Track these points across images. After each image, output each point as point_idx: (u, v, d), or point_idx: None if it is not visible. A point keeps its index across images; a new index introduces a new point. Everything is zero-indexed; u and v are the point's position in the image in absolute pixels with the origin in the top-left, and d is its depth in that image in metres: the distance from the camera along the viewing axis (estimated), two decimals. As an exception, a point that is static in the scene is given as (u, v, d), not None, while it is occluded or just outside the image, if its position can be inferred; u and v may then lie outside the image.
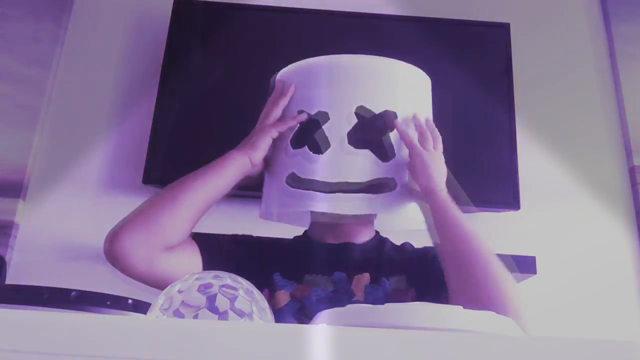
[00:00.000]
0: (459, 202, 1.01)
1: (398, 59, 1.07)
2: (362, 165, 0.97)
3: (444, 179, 1.02)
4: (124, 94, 2.21)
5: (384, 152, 0.99)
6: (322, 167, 0.97)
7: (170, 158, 2.02)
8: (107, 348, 0.44)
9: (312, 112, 1.00)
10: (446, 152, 1.06)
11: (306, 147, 1.00)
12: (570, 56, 2.32)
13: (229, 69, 2.11)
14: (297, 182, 1.00)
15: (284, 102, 1.05)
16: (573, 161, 2.16)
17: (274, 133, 1.03)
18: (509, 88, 2.11)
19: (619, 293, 2.02)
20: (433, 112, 1.10)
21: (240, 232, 1.18)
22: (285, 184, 1.00)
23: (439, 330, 0.49)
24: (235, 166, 1.04)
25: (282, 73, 1.09)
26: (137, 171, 2.01)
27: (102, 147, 2.14)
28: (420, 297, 1.01)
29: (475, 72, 2.14)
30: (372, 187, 0.97)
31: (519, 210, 1.99)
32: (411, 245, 1.13)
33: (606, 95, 2.27)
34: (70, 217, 2.03)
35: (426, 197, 0.98)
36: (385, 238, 1.14)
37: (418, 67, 1.09)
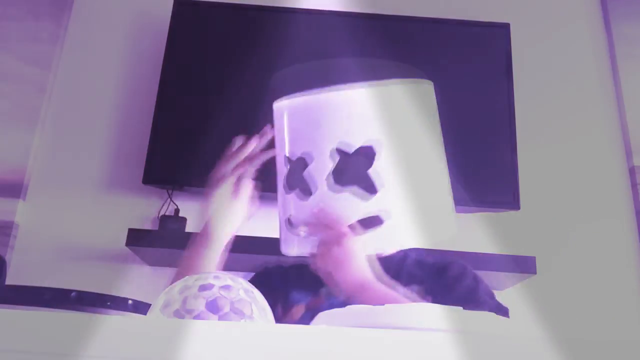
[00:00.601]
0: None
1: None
2: (346, 206, 0.96)
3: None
4: (124, 94, 2.21)
5: (367, 188, 0.97)
6: (309, 213, 0.97)
7: (170, 158, 2.02)
8: (107, 348, 0.44)
9: (295, 156, 1.01)
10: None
11: (297, 190, 1.00)
12: (571, 56, 2.32)
13: (229, 69, 2.11)
14: (293, 227, 1.01)
15: (235, 159, 1.07)
16: (573, 161, 2.16)
17: (232, 176, 1.06)
18: (509, 88, 2.11)
19: (619, 293, 2.02)
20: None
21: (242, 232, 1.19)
22: (287, 229, 1.02)
23: (438, 330, 0.49)
24: (198, 242, 1.07)
25: (275, 106, 1.07)
26: (137, 171, 2.01)
27: (102, 147, 2.14)
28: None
29: (475, 72, 2.14)
30: (360, 228, 0.96)
31: (519, 210, 1.99)
32: (433, 258, 1.15)
33: (606, 95, 2.27)
34: (70, 217, 2.04)
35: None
36: (408, 252, 1.14)
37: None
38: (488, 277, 1.89)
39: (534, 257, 1.87)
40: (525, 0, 2.38)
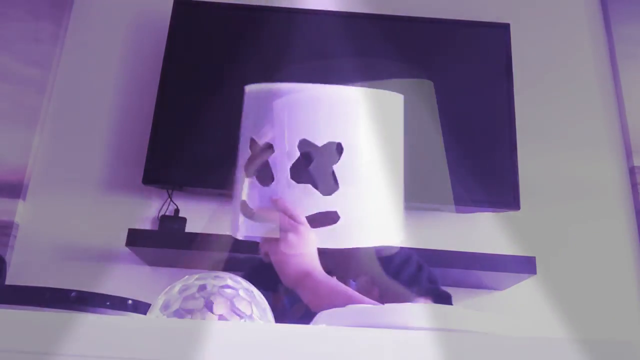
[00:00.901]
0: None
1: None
2: (304, 199, 0.98)
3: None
4: (124, 94, 2.21)
5: (326, 186, 1.00)
6: (267, 200, 0.99)
7: (170, 158, 2.02)
8: (106, 348, 0.44)
9: (261, 142, 1.02)
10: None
11: (255, 177, 1.02)
12: (570, 56, 2.32)
13: (229, 69, 2.11)
14: (246, 211, 1.02)
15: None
16: (573, 161, 2.16)
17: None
18: (509, 88, 2.11)
19: (619, 293, 2.02)
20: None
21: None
22: (240, 211, 1.02)
23: (437, 330, 0.49)
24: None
25: (249, 90, 1.10)
26: (137, 171, 2.01)
27: (102, 147, 2.14)
28: (384, 295, 1.05)
29: (475, 73, 2.14)
30: (314, 221, 0.98)
31: (519, 211, 1.99)
32: (383, 248, 1.16)
33: (606, 95, 2.27)
34: (70, 217, 2.04)
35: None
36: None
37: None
38: (488, 277, 1.90)
39: (534, 257, 1.87)
40: (525, 0, 2.38)
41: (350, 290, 0.99)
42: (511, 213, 2.02)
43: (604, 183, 2.15)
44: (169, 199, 2.05)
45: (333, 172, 0.99)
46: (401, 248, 1.15)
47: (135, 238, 1.88)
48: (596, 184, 2.14)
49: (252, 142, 1.03)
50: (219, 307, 0.54)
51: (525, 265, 1.87)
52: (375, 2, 2.22)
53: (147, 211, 2.06)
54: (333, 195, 0.98)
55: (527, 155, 2.09)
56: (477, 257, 1.86)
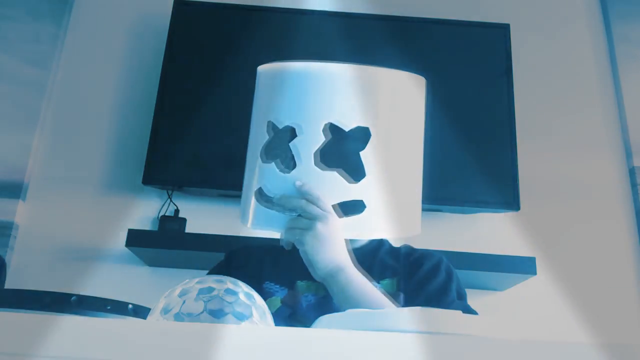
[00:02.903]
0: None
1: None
2: (329, 187, 0.92)
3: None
4: (124, 94, 2.21)
5: (353, 172, 0.94)
6: (289, 187, 0.92)
7: (170, 159, 2.02)
8: (107, 352, 0.44)
9: (282, 124, 0.94)
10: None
11: (275, 162, 0.95)
12: (570, 56, 2.32)
13: (229, 69, 2.10)
14: (264, 199, 0.95)
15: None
16: (573, 162, 2.16)
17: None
18: (508, 88, 2.11)
19: (619, 293, 2.02)
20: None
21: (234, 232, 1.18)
22: (255, 199, 0.96)
23: (437, 334, 0.49)
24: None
25: (263, 70, 1.02)
26: (137, 172, 2.01)
27: (102, 148, 2.14)
28: (408, 299, 1.01)
29: (475, 73, 2.14)
30: (340, 210, 0.93)
31: (519, 211, 1.99)
32: (408, 247, 1.13)
33: (606, 95, 2.27)
34: (70, 218, 2.04)
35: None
36: (384, 240, 1.13)
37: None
38: (488, 277, 1.90)
39: (534, 258, 1.87)
40: (525, 0, 2.38)
41: (379, 293, 0.95)
42: (511, 213, 2.02)
43: (604, 183, 2.15)
44: (169, 199, 2.05)
45: (360, 159, 0.93)
46: (431, 251, 1.11)
47: (135, 238, 1.88)
48: (596, 184, 2.14)
49: (271, 125, 0.96)
50: (219, 311, 0.54)
51: (525, 266, 1.88)
52: (376, 2, 2.22)
53: (147, 212, 2.06)
54: (360, 182, 0.92)
55: (527, 156, 2.09)
56: (477, 258, 1.86)
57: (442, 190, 1.92)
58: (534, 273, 1.87)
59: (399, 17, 2.20)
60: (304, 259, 0.93)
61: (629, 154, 2.17)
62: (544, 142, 2.17)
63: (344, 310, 0.92)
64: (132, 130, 2.14)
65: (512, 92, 2.10)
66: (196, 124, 2.07)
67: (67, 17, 2.29)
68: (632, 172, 2.14)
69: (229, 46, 2.15)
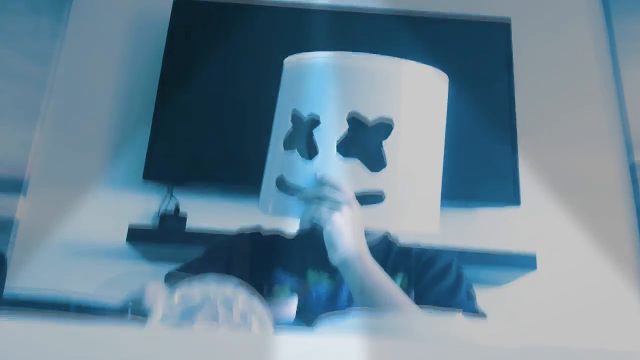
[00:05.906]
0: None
1: (398, 54, 1.03)
2: (350, 176, 0.93)
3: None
4: (125, 90, 2.21)
5: (374, 162, 0.94)
6: (310, 175, 0.93)
7: (170, 154, 2.02)
8: (106, 357, 0.44)
9: (305, 113, 0.96)
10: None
11: (296, 150, 0.96)
12: (571, 52, 2.31)
13: (229, 68, 2.10)
14: (285, 187, 0.96)
15: None
16: (574, 157, 2.16)
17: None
18: (509, 84, 2.10)
19: (620, 289, 2.02)
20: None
21: (246, 225, 1.17)
22: (276, 186, 0.97)
23: (437, 338, 0.49)
24: None
25: (289, 61, 1.03)
26: (137, 167, 2.01)
27: (103, 143, 2.14)
28: (418, 299, 1.01)
29: (476, 68, 2.13)
30: (359, 199, 0.93)
31: (520, 207, 1.99)
32: (418, 248, 1.14)
33: (607, 91, 2.27)
34: (71, 213, 2.04)
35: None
36: (394, 237, 1.14)
37: (419, 61, 1.04)
38: (488, 273, 1.91)
39: (535, 253, 1.87)
40: (526, -5, 2.37)
41: (395, 285, 0.95)
42: (512, 209, 2.02)
43: (604, 179, 2.15)
44: (170, 195, 2.05)
45: (382, 149, 0.94)
46: (441, 252, 1.12)
47: (136, 234, 1.88)
48: (597, 180, 2.14)
49: (295, 113, 0.97)
50: (218, 316, 0.54)
51: (525, 262, 1.88)
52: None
53: (147, 207, 2.06)
54: (380, 173, 0.93)
55: (528, 151, 2.09)
56: (477, 253, 1.86)
57: (443, 185, 1.91)
58: (534, 269, 1.87)
59: (398, 12, 2.19)
60: (325, 241, 0.92)
61: (629, 150, 2.17)
62: (545, 137, 2.17)
63: (356, 301, 0.93)
64: (133, 126, 2.14)
65: (513, 87, 2.10)
66: (197, 119, 2.07)
67: (67, 12, 2.28)
68: (632, 167, 2.14)
69: (229, 45, 2.14)
